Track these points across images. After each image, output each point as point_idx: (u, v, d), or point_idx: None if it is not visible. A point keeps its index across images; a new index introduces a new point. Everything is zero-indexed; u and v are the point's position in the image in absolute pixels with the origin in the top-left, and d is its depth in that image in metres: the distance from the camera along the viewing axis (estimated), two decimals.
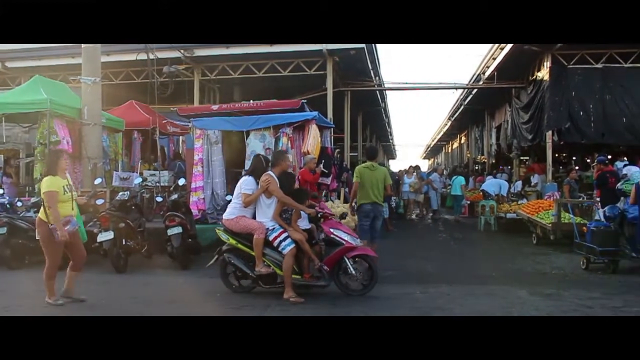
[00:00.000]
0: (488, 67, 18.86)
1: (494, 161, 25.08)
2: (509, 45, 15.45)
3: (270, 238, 6.96)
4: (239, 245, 7.12)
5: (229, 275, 7.43)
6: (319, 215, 7.37)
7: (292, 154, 10.74)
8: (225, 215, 7.34)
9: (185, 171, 12.31)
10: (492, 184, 16.25)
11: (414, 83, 21.39)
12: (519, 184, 18.21)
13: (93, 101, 11.25)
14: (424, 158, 71.18)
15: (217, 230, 7.53)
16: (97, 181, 10.41)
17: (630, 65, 14.82)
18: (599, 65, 14.92)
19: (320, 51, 15.13)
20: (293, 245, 6.89)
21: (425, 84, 21.64)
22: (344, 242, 7.09)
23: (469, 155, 33.87)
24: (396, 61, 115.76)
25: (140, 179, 11.15)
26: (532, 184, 17.31)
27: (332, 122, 14.44)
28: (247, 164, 11.11)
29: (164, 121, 14.38)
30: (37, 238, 7.75)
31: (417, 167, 19.11)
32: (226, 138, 11.53)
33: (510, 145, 20.51)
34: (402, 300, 7.06)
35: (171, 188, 11.30)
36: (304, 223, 7.33)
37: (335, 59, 15.74)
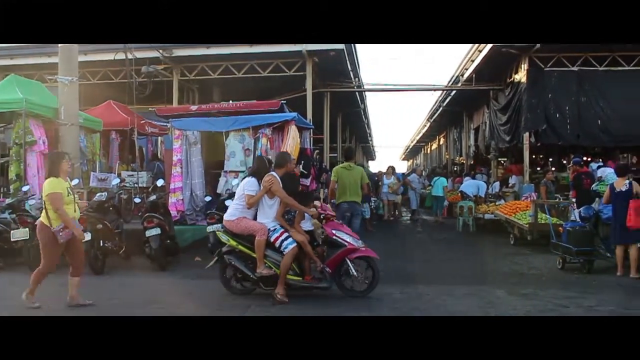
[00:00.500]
0: (466, 69, 19.02)
1: (472, 162, 25.31)
2: (487, 48, 15.60)
3: (272, 239, 6.95)
4: (240, 247, 7.08)
5: (228, 277, 7.38)
6: (321, 217, 7.38)
7: (272, 154, 10.74)
8: (226, 217, 7.30)
9: (164, 172, 12.24)
10: (470, 185, 16.37)
11: (393, 85, 21.56)
12: (497, 184, 18.40)
13: (70, 101, 11.11)
14: (403, 159, 71.53)
15: (216, 232, 7.51)
16: (74, 182, 10.22)
17: (605, 68, 15.08)
18: (575, 68, 15.15)
19: (300, 52, 15.13)
20: (295, 244, 6.90)
21: (404, 86, 21.81)
22: (346, 243, 7.13)
23: (447, 156, 34.13)
24: (376, 63, 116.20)
25: (118, 180, 11.06)
26: (510, 184, 17.50)
27: (311, 123, 14.45)
28: (226, 165, 11.10)
29: (142, 121, 14.27)
30: (13, 239, 7.66)
31: (392, 168, 19.12)
32: (205, 139, 11.48)
33: (488, 147, 20.71)
34: (381, 301, 7.08)
35: (150, 189, 11.22)
36: (306, 225, 7.36)
37: (314, 59, 15.74)
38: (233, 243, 7.10)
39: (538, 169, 19.66)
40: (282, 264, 6.87)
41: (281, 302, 6.79)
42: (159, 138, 16.64)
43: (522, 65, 15.65)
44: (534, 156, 19.16)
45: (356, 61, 18.29)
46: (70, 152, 10.96)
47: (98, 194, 9.66)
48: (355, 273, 7.14)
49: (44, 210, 6.54)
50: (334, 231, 7.20)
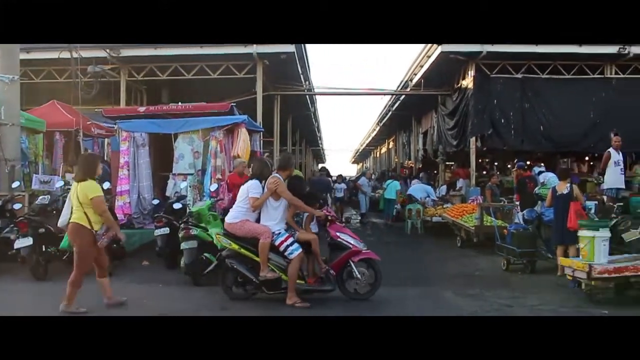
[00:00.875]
0: (415, 75, 19.33)
1: (420, 166, 25.70)
2: (436, 54, 15.89)
3: (277, 243, 6.88)
4: (242, 250, 6.96)
5: (229, 281, 7.24)
6: (328, 219, 7.37)
7: (222, 157, 10.64)
8: (228, 219, 7.18)
9: (110, 174, 11.96)
10: (418, 189, 16.59)
11: (343, 88, 21.69)
12: (444, 188, 18.74)
13: (11, 100, 10.71)
14: (353, 162, 72.10)
15: (216, 236, 7.39)
16: (15, 184, 9.94)
17: (547, 76, 15.60)
18: (519, 76, 15.60)
19: (251, 54, 15.06)
20: (300, 250, 6.86)
21: (354, 90, 21.95)
22: (350, 245, 7.15)
23: (396, 160, 34.56)
24: (326, 66, 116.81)
25: (62, 183, 10.74)
26: (457, 188, 17.84)
27: (261, 126, 14.40)
28: (175, 167, 10.94)
29: (88, 122, 13.89)
30: None
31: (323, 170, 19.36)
32: (153, 141, 11.29)
33: (436, 151, 21.07)
34: (332, 302, 7.11)
35: None
36: (313, 227, 7.39)
37: (265, 62, 15.69)
38: (235, 246, 6.97)
39: (484, 172, 20.15)
40: (291, 271, 6.82)
41: (304, 307, 6.77)
42: (106, 140, 16.23)
43: (469, 72, 16.01)
44: (480, 160, 19.63)
45: (307, 64, 18.34)
46: (10, 153, 10.70)
47: (40, 197, 9.39)
48: (358, 275, 7.16)
49: (77, 212, 6.47)
50: (338, 233, 7.23)
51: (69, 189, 11.42)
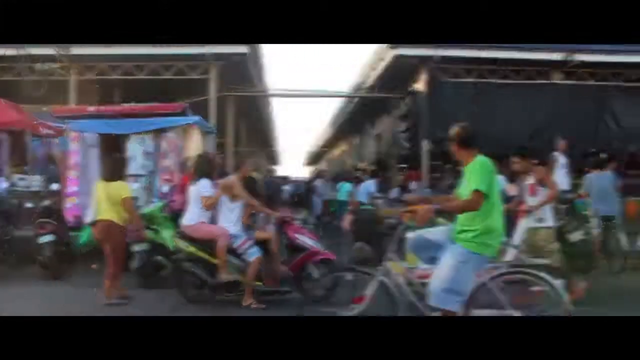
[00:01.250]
0: (369, 77, 19.52)
1: (373, 168, 25.94)
2: (389, 57, 16.10)
3: (235, 246, 6.83)
4: (199, 253, 6.87)
5: (186, 284, 7.14)
6: (285, 220, 7.37)
7: (171, 158, 10.53)
8: (185, 221, 7.07)
9: (59, 175, 11.68)
10: (362, 191, 16.65)
11: (297, 90, 21.69)
12: (397, 190, 18.95)
13: None
14: (308, 164, 72.15)
15: (174, 239, 7.32)
16: None
17: (497, 81, 16.03)
18: (470, 80, 15.96)
19: (204, 55, 14.94)
20: (259, 254, 6.84)
21: (308, 92, 21.99)
22: (308, 246, 7.15)
23: (350, 162, 34.80)
24: (281, 68, 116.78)
25: (6, 184, 10.42)
26: (410, 190, 18.07)
27: (214, 127, 14.30)
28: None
29: (35, 122, 13.51)
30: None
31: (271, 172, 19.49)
32: (103, 141, 11.08)
33: (389, 153, 21.31)
34: (289, 303, 7.11)
35: (43, 193, 10.66)
36: (269, 229, 7.44)
37: (219, 63, 15.59)
38: (192, 249, 6.91)
39: (437, 175, 20.47)
40: (250, 273, 6.79)
41: (259, 309, 6.76)
42: (55, 140, 15.81)
43: (422, 75, 16.27)
44: (432, 163, 19.97)
45: (261, 65, 18.30)
46: None
47: None
48: (317, 276, 7.16)
49: (108, 211, 6.76)
50: (296, 235, 7.22)
51: (15, 190, 11.19)
